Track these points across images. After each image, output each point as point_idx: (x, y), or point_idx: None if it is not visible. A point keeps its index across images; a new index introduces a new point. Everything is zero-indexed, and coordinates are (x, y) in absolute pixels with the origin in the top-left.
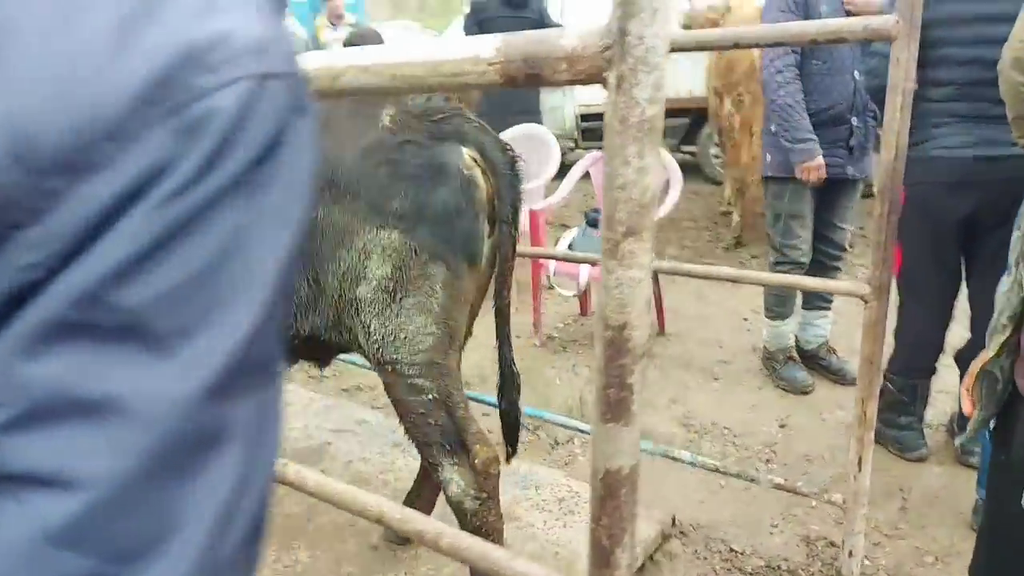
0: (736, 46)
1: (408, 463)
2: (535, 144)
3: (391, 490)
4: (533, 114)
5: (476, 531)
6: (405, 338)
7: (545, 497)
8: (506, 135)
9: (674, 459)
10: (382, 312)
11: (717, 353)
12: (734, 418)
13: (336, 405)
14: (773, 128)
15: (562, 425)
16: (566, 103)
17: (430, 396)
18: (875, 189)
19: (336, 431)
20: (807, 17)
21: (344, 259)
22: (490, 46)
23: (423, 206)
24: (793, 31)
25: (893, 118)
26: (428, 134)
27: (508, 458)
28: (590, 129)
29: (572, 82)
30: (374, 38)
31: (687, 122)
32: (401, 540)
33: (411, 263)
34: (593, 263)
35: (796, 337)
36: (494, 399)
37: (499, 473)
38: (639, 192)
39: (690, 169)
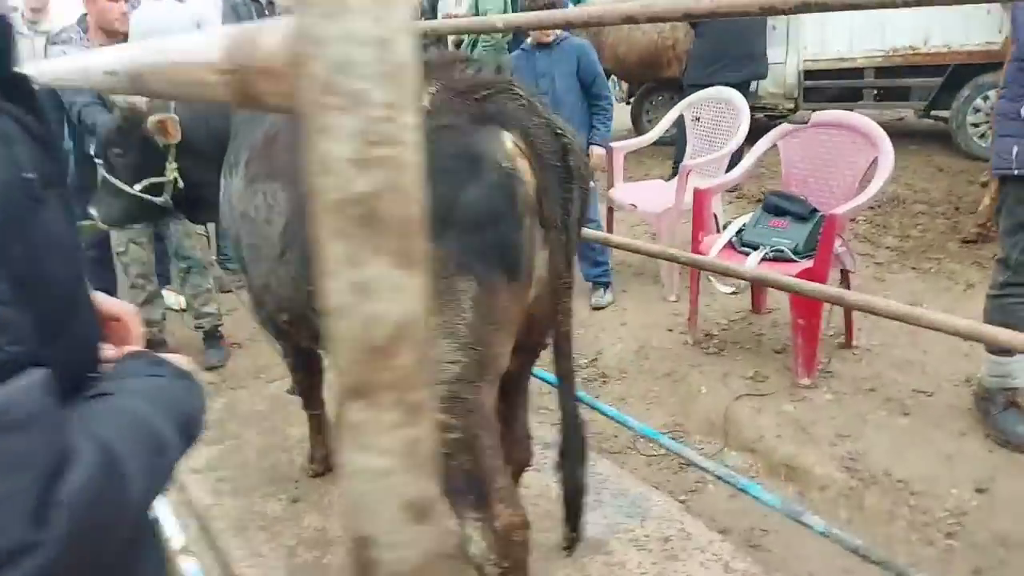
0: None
1: None
2: (721, 109)
3: None
4: (756, 57)
5: None
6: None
7: (649, 532)
8: (691, 99)
9: (801, 523)
10: None
11: (916, 380)
12: (917, 470)
13: None
14: None
15: (688, 462)
16: (788, 57)
17: (453, 435)
18: None
19: None
20: None
21: None
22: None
23: (451, 207)
24: None
25: None
26: (469, 116)
27: (569, 545)
28: (816, 88)
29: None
30: None
31: (939, 81)
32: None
33: (438, 274)
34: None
35: None
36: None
37: (526, 540)
38: None
39: (939, 139)
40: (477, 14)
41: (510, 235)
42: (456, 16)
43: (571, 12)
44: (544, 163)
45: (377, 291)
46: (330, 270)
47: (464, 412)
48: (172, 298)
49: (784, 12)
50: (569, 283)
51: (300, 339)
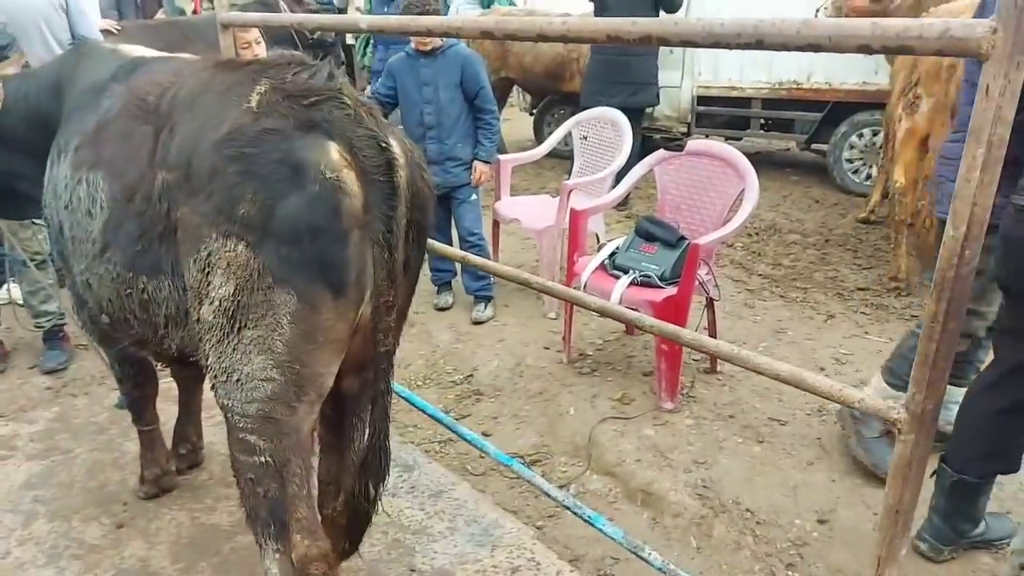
0: (760, 45)
1: None
2: (606, 129)
3: None
4: (646, 86)
5: None
6: (238, 380)
7: (498, 562)
8: (579, 118)
9: (640, 557)
10: (220, 342)
11: (773, 408)
12: (765, 499)
13: None
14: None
15: (544, 492)
16: (683, 81)
17: (262, 459)
18: (934, 277)
19: None
20: None
21: (192, 269)
22: None
23: (269, 215)
24: (844, 31)
25: (969, 178)
26: (295, 121)
27: (343, 556)
28: (708, 114)
29: None
30: None
31: (819, 116)
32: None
33: (255, 285)
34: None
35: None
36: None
37: (326, 574)
38: None
39: (818, 171)
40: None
41: (334, 249)
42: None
43: (432, 20)
44: (367, 178)
45: None
46: None
47: (276, 434)
48: (16, 292)
49: (628, 42)
50: (390, 302)
51: (126, 345)
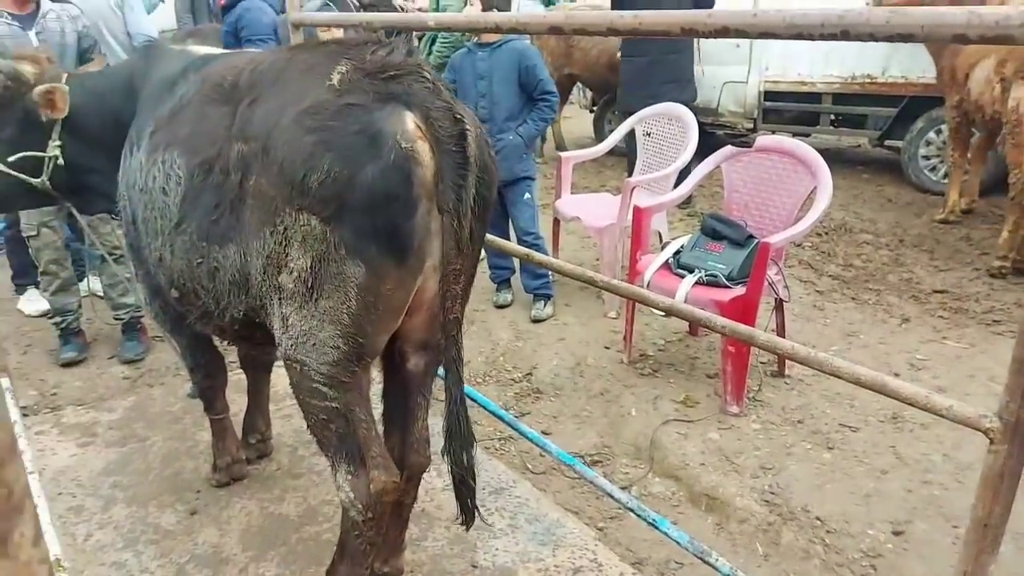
0: (845, 36)
1: None
2: (671, 125)
3: None
4: (683, 83)
5: (353, 539)
6: (314, 344)
7: (560, 562)
8: (642, 114)
9: (706, 563)
10: (301, 308)
11: (843, 414)
12: (835, 507)
13: None
14: None
15: (607, 493)
16: (750, 76)
17: (334, 404)
18: None
19: None
20: None
21: (267, 240)
22: None
23: (348, 186)
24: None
25: None
26: (374, 95)
27: (465, 523)
28: (774, 110)
29: None
30: None
31: (894, 111)
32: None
33: (330, 257)
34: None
35: None
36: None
37: (393, 501)
38: None
39: (891, 169)
40: (437, 9)
41: (402, 218)
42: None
43: (499, 16)
44: (441, 147)
45: None
46: None
47: (342, 387)
48: (96, 284)
49: (704, 35)
50: (459, 270)
51: (193, 322)
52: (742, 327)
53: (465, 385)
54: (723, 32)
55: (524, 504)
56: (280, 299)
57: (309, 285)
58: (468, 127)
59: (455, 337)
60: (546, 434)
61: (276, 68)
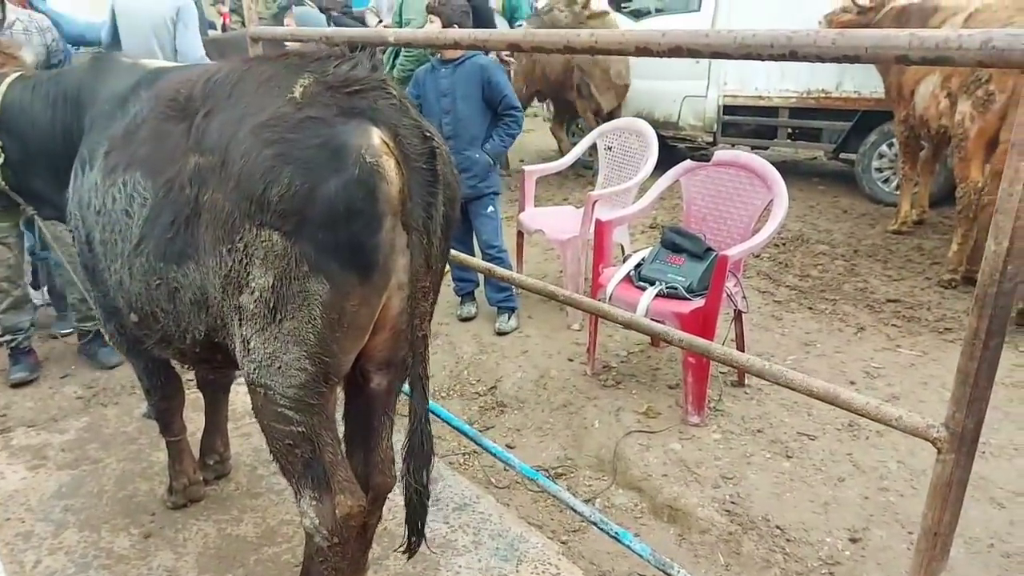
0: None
1: None
2: (632, 139)
3: None
4: None
5: (317, 565)
6: (279, 368)
7: None
8: (603, 128)
9: (668, 575)
10: (263, 330)
11: (801, 422)
12: (794, 516)
13: None
14: None
15: (570, 507)
16: (709, 91)
17: (299, 429)
18: (975, 292)
19: None
20: None
21: (225, 257)
22: None
23: (309, 200)
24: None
25: (1011, 191)
26: (338, 109)
27: (408, 549)
28: (733, 123)
29: None
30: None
31: (848, 125)
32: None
33: (292, 275)
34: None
35: None
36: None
37: (360, 524)
38: None
39: (844, 181)
40: (400, 24)
41: (366, 234)
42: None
43: (459, 33)
44: (411, 164)
45: None
46: None
47: (308, 410)
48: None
49: (658, 54)
50: (426, 287)
51: (152, 346)
52: (699, 340)
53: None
54: (676, 51)
55: (487, 520)
56: (241, 320)
57: (271, 305)
58: (437, 145)
59: (422, 354)
60: (510, 448)
61: (232, 79)
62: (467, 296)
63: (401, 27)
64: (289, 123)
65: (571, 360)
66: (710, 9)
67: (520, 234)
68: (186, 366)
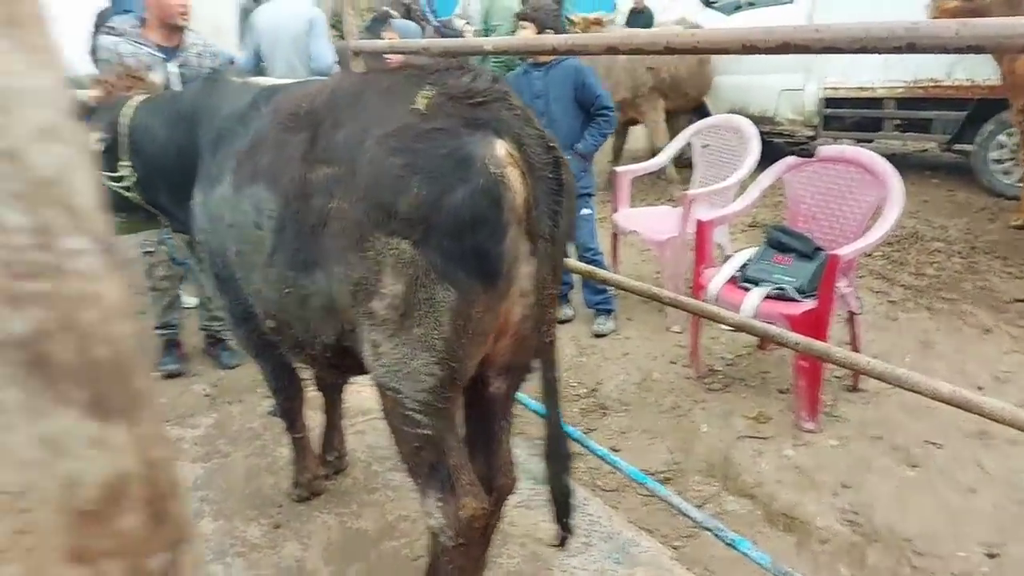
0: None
1: None
2: (730, 136)
3: None
4: None
5: (443, 565)
6: (408, 373)
7: None
8: (699, 125)
9: None
10: (393, 336)
11: (926, 428)
12: (922, 527)
13: None
14: None
15: (682, 512)
16: (808, 84)
17: (426, 432)
18: None
19: None
20: None
21: (356, 265)
22: None
23: (436, 210)
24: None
25: None
26: (462, 120)
27: (561, 541)
28: (836, 116)
29: None
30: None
31: (962, 115)
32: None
33: (421, 282)
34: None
35: None
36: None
37: (483, 526)
38: None
39: (961, 173)
40: (487, 31)
41: (491, 242)
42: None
43: (556, 39)
44: (535, 174)
45: (67, 447)
46: (5, 423)
47: (435, 414)
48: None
49: (763, 51)
50: (553, 294)
51: (284, 350)
52: (817, 343)
53: (534, 401)
54: (784, 48)
55: (597, 522)
56: (371, 325)
57: (401, 312)
58: (560, 155)
59: (551, 360)
60: (615, 451)
61: (354, 92)
62: (562, 298)
63: (487, 32)
64: (415, 133)
65: (674, 363)
66: (805, 0)
67: (615, 235)
68: (316, 371)
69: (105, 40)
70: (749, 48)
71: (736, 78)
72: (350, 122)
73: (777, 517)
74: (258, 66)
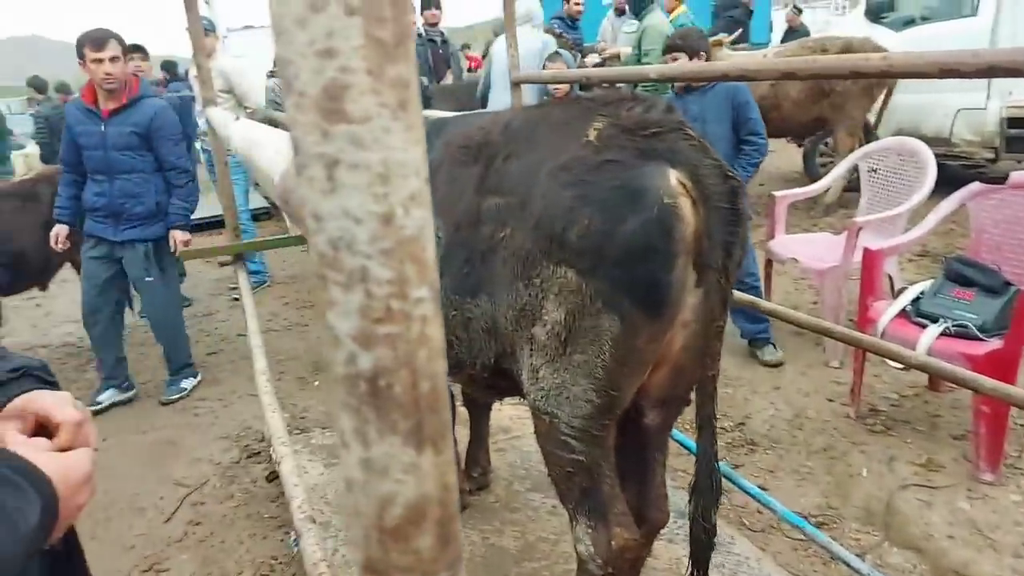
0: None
1: None
2: (902, 160)
3: None
4: None
5: None
6: (567, 397)
7: None
8: (868, 149)
9: None
10: (553, 361)
11: None
12: None
13: None
14: None
15: (842, 560)
16: (989, 102)
17: (580, 458)
18: None
19: None
20: None
21: (522, 291)
22: None
23: (607, 239)
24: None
25: None
26: (635, 151)
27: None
28: (1020, 138)
29: None
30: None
31: None
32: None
33: (585, 311)
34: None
35: None
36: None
37: (634, 559)
38: None
39: None
40: (639, 55)
41: (661, 272)
42: (615, 53)
43: (726, 65)
44: (711, 204)
45: (386, 470)
46: (341, 444)
47: (590, 441)
48: None
49: (966, 75)
50: (721, 327)
51: (447, 372)
52: (1017, 391)
53: (679, 432)
54: (991, 72)
55: (744, 563)
56: (532, 350)
57: (563, 338)
58: (739, 184)
59: (712, 395)
60: (763, 489)
61: (529, 125)
62: (765, 339)
63: (640, 59)
64: (587, 165)
65: (831, 400)
66: (990, 13)
67: (769, 262)
68: (472, 392)
69: (271, 82)
70: (948, 71)
71: (906, 97)
72: (525, 155)
73: (947, 574)
74: (485, 95)
